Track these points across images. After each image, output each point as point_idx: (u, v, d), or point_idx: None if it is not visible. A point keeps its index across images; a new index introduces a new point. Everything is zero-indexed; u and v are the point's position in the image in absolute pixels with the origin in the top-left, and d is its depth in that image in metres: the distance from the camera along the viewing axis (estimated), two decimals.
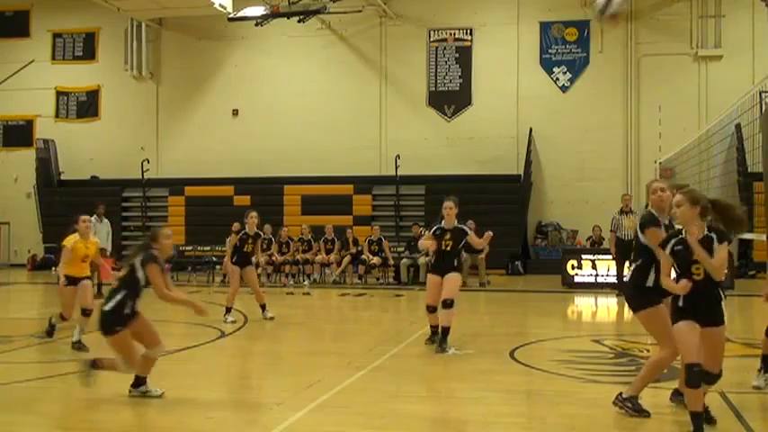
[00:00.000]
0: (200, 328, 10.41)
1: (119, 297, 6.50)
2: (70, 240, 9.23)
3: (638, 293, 6.00)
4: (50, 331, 9.63)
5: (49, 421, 6.10)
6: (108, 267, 15.70)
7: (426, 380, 7.30)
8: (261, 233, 12.37)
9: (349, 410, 6.23)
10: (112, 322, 6.45)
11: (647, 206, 18.79)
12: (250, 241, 11.79)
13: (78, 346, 8.88)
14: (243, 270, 11.77)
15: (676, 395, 6.16)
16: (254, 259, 12.30)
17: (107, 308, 6.48)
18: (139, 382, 6.64)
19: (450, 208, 9.00)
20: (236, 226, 18.33)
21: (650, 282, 5.92)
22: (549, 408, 6.54)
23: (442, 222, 9.03)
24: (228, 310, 11.48)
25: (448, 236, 8.93)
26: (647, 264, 5.93)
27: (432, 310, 9.07)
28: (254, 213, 11.95)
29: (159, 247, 6.68)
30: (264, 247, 18.40)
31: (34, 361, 8.93)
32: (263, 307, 11.81)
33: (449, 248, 8.91)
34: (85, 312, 9.05)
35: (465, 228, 9.09)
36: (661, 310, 5.83)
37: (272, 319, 11.68)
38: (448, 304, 8.69)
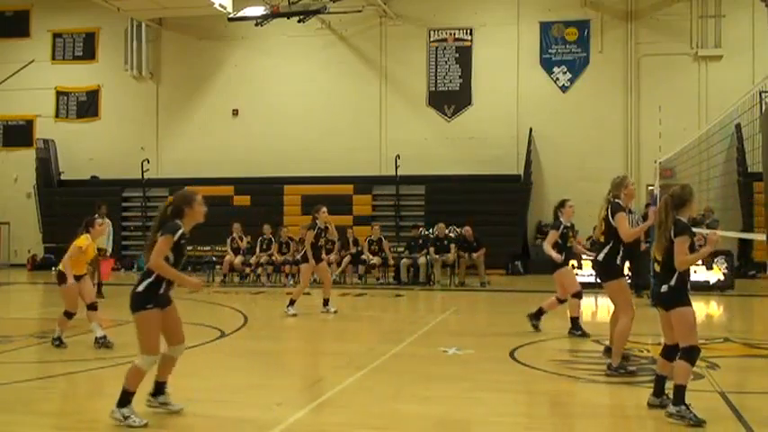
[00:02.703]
0: (200, 328, 10.40)
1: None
2: (84, 241, 9.10)
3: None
4: (60, 344, 9.06)
5: (48, 421, 6.09)
6: (108, 267, 15.76)
7: (426, 380, 7.28)
8: (329, 226, 12.65)
9: (349, 410, 6.22)
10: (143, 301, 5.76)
11: (647, 206, 18.80)
12: (323, 234, 12.39)
13: (103, 341, 8.95)
14: (317, 266, 12.35)
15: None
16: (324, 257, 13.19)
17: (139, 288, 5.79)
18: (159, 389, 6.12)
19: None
20: (236, 227, 18.46)
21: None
22: (549, 408, 6.55)
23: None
24: (293, 302, 12.16)
25: None
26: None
27: None
28: (324, 209, 12.40)
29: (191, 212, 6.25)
30: (264, 246, 18.45)
31: (34, 361, 8.91)
32: (326, 301, 12.41)
33: None
34: (93, 307, 9.18)
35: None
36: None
37: (335, 312, 12.30)
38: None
